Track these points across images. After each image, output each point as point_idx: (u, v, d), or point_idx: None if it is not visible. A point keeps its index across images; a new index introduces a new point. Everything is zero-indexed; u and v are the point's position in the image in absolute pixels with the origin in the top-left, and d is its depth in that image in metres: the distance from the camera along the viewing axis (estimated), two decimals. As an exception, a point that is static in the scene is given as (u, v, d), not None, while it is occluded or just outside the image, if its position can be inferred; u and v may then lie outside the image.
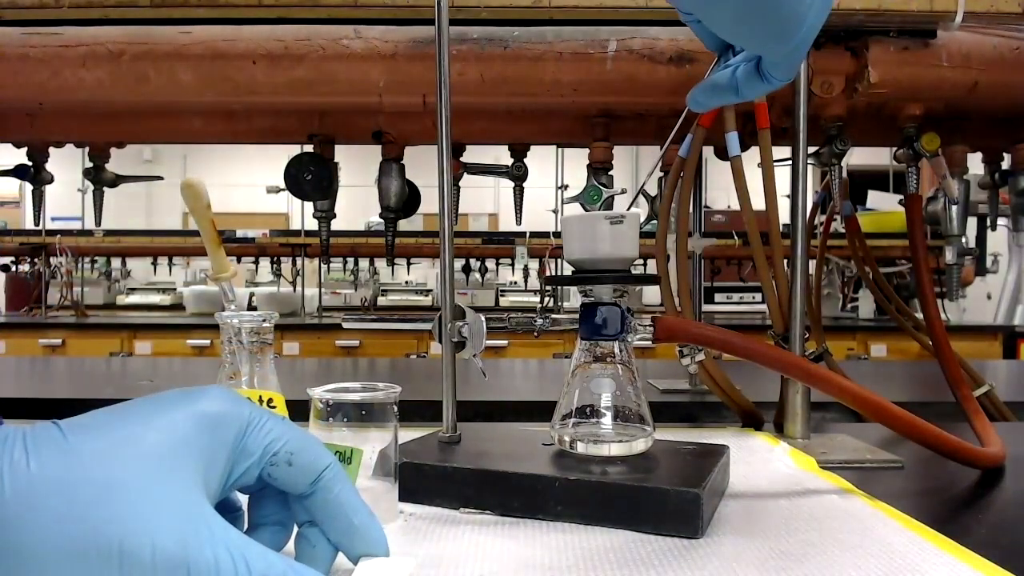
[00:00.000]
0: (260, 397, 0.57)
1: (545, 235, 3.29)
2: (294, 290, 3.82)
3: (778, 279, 0.79)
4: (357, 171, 2.24)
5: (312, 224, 1.29)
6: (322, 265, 3.86)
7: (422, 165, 1.08)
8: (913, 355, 2.62)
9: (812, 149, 0.83)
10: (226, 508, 0.39)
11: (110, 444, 0.32)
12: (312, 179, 0.96)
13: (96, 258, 3.87)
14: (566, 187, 3.17)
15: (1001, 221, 1.12)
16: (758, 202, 0.76)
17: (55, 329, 3.33)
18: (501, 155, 1.01)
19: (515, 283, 4.19)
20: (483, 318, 0.61)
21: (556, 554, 0.45)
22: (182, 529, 0.31)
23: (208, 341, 3.17)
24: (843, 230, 1.08)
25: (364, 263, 3.99)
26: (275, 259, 3.73)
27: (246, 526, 0.40)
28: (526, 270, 3.68)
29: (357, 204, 3.69)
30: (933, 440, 0.62)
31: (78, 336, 3.32)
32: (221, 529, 0.32)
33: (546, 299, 3.68)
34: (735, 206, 1.29)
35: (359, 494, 0.38)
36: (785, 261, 0.80)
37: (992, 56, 0.79)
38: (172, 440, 0.33)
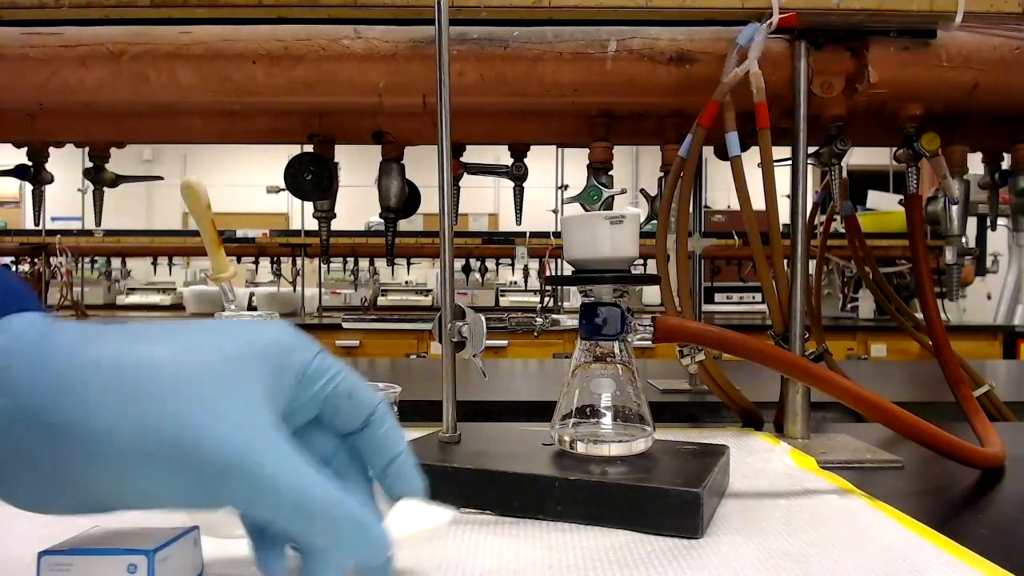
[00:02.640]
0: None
1: (545, 235, 3.29)
2: (294, 290, 3.82)
3: (778, 279, 0.79)
4: (357, 171, 2.24)
5: (312, 224, 1.29)
6: (322, 265, 3.86)
7: (422, 165, 1.08)
8: (913, 355, 2.62)
9: (812, 149, 0.83)
10: None
11: (180, 346, 0.31)
12: (312, 179, 0.96)
13: (96, 258, 3.87)
14: (566, 187, 3.16)
15: (1001, 221, 1.12)
16: (758, 202, 0.76)
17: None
18: (501, 155, 1.01)
19: (515, 283, 4.19)
20: (483, 318, 0.61)
21: (556, 554, 0.45)
22: (252, 437, 0.30)
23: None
24: (843, 230, 1.08)
25: (364, 263, 3.99)
26: (275, 259, 3.73)
27: None
28: (526, 270, 3.67)
29: (357, 204, 3.69)
30: (933, 440, 0.62)
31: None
32: (287, 446, 0.31)
33: (546, 299, 3.68)
34: (735, 206, 1.29)
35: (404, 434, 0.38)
36: (785, 261, 0.80)
37: (992, 56, 0.79)
38: (241, 354, 0.32)
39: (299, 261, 3.68)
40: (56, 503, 0.30)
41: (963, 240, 0.91)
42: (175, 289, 4.23)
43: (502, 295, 4.16)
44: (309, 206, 1.03)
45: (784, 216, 0.77)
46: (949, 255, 0.89)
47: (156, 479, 0.29)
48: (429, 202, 0.83)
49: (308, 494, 0.31)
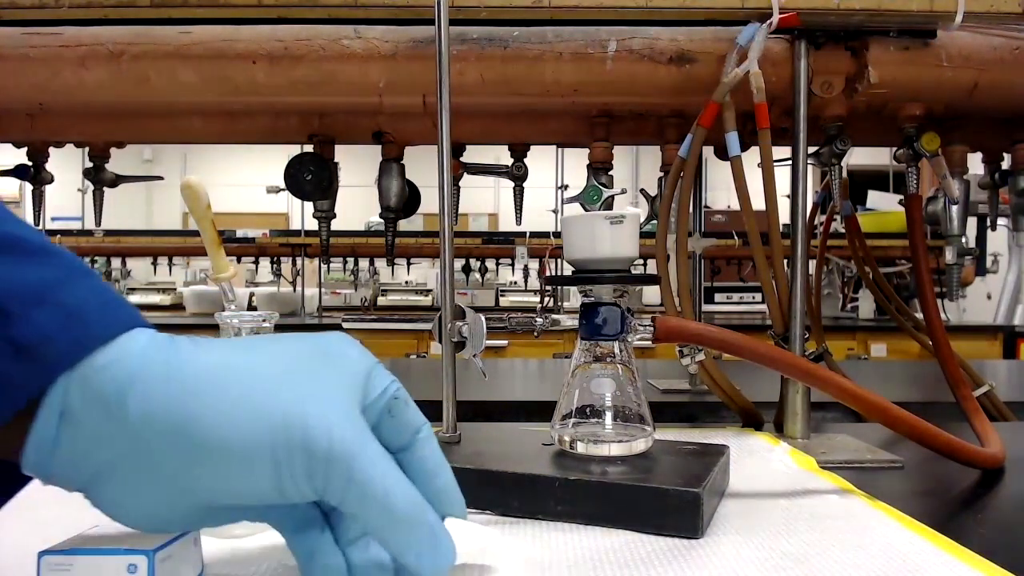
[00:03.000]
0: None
1: (545, 235, 3.29)
2: (294, 290, 3.82)
3: (778, 279, 0.79)
4: (357, 171, 2.24)
5: (312, 224, 1.29)
6: (322, 265, 3.86)
7: (422, 165, 1.08)
8: (913, 355, 2.62)
9: (812, 149, 0.83)
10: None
11: (272, 351, 0.34)
12: (312, 179, 0.96)
13: (96, 258, 3.86)
14: (566, 187, 3.16)
15: (1001, 221, 1.12)
16: (758, 202, 0.76)
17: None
18: (501, 155, 1.01)
19: (515, 283, 4.19)
20: (483, 318, 0.61)
21: (556, 554, 0.45)
22: (352, 429, 0.32)
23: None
24: (843, 230, 1.08)
25: (364, 263, 3.99)
26: (275, 259, 3.73)
27: None
28: (526, 270, 3.68)
29: (357, 204, 3.69)
30: (933, 440, 0.62)
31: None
32: (378, 444, 0.33)
33: (546, 299, 3.68)
34: (735, 206, 1.29)
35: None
36: (785, 261, 0.80)
37: (992, 56, 0.79)
38: (324, 355, 0.35)
39: (299, 261, 3.68)
40: (161, 510, 0.32)
41: (963, 240, 0.91)
42: (175, 289, 4.24)
43: (502, 295, 4.16)
44: (309, 206, 1.03)
45: (784, 216, 0.77)
46: (949, 255, 0.89)
47: (263, 469, 0.31)
48: (429, 202, 0.83)
49: (395, 492, 0.32)
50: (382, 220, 1.04)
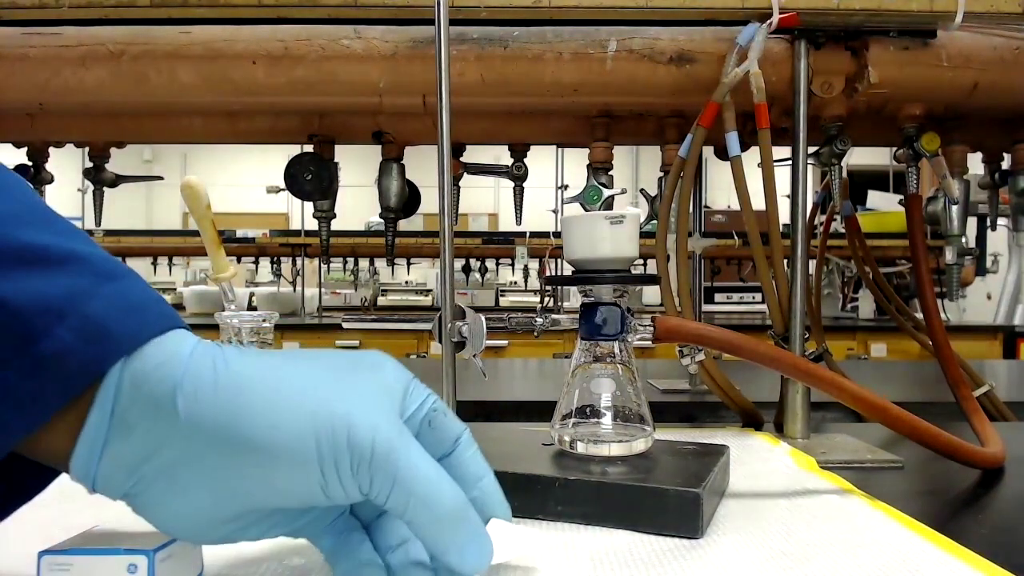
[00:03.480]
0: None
1: (545, 235, 3.29)
2: (294, 290, 3.82)
3: (778, 279, 0.79)
4: (357, 171, 2.24)
5: (312, 224, 1.29)
6: (322, 265, 3.86)
7: (422, 165, 1.08)
8: (913, 355, 2.62)
9: (812, 149, 0.83)
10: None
11: (312, 361, 0.35)
12: (312, 179, 0.96)
13: (96, 258, 3.85)
14: (566, 187, 3.16)
15: (1001, 221, 1.12)
16: (758, 202, 0.76)
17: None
18: (501, 155, 1.01)
19: (515, 283, 4.19)
20: (483, 318, 0.61)
21: (556, 554, 0.45)
22: (395, 429, 0.33)
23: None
24: (843, 230, 1.08)
25: (364, 263, 3.99)
26: (275, 259, 3.73)
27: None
28: (526, 270, 3.68)
29: (357, 204, 3.69)
30: (933, 440, 0.62)
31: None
32: (419, 445, 0.34)
33: (546, 299, 3.68)
34: (735, 206, 1.29)
35: None
36: (785, 261, 0.80)
37: (992, 56, 0.79)
38: (362, 366, 0.36)
39: (299, 261, 3.68)
40: (206, 514, 0.32)
41: (963, 240, 0.90)
42: (175, 289, 4.23)
43: (502, 295, 4.16)
44: (309, 206, 1.03)
45: (784, 216, 0.77)
46: (949, 255, 0.89)
47: (309, 467, 0.31)
48: (429, 202, 0.83)
49: (440, 491, 0.33)
50: (382, 220, 1.04)
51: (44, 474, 0.35)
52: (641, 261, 2.69)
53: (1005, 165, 0.97)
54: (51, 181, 1.06)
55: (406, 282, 4.34)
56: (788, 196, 0.81)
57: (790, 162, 0.81)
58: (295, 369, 0.34)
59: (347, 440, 0.31)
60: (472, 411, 1.05)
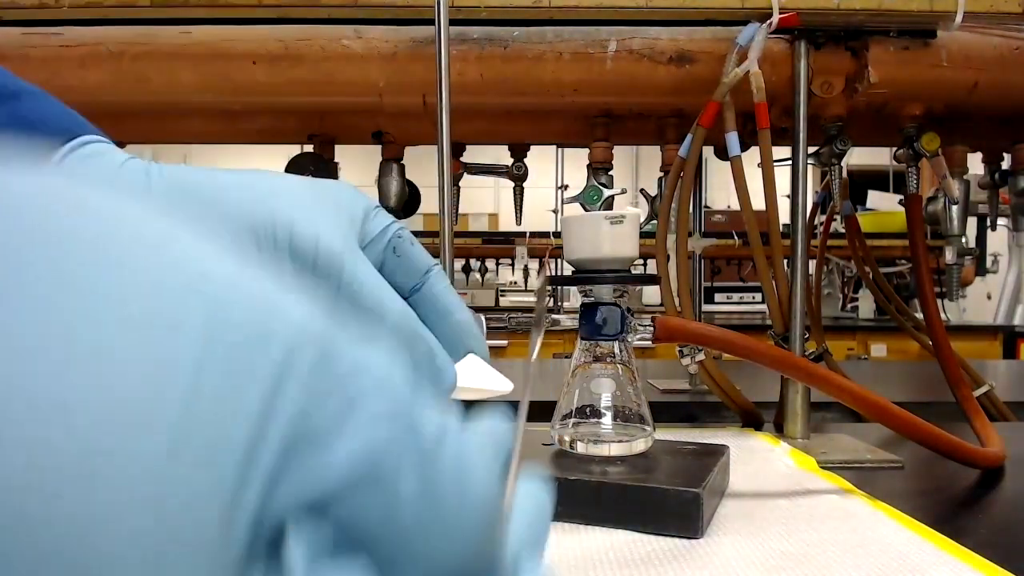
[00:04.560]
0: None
1: (545, 235, 3.29)
2: (294, 290, 3.81)
3: (778, 279, 0.79)
4: (357, 171, 2.24)
5: (312, 224, 1.29)
6: (322, 265, 3.85)
7: (422, 165, 1.08)
8: (913, 355, 2.62)
9: (812, 149, 0.83)
10: None
11: (259, 174, 0.33)
12: (312, 179, 0.96)
13: (96, 258, 3.86)
14: (566, 187, 3.15)
15: (1001, 221, 1.12)
16: (758, 202, 0.76)
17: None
18: (501, 155, 1.01)
19: (515, 283, 4.18)
20: (483, 318, 0.61)
21: (556, 554, 0.45)
22: (340, 241, 0.31)
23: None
24: (843, 230, 1.08)
25: (364, 263, 3.98)
26: (275, 259, 3.73)
27: None
28: (526, 270, 3.67)
29: (357, 204, 3.68)
30: (933, 440, 0.62)
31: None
32: (368, 263, 0.32)
33: (546, 299, 3.68)
34: (735, 206, 1.29)
35: None
36: (785, 261, 0.80)
37: (992, 56, 0.79)
38: (318, 186, 0.33)
39: (299, 261, 3.67)
40: None
41: (963, 240, 0.90)
42: (175, 289, 4.22)
43: (502, 295, 4.16)
44: (309, 206, 1.03)
45: (784, 216, 0.77)
46: (949, 255, 0.89)
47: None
48: (429, 202, 0.83)
49: (387, 303, 0.31)
50: (382, 220, 1.04)
51: None
52: (641, 261, 2.69)
53: (1005, 165, 0.97)
54: (51, 181, 1.06)
55: (406, 282, 4.34)
56: (788, 196, 0.81)
57: (790, 162, 0.81)
58: (239, 177, 0.32)
59: (289, 243, 0.30)
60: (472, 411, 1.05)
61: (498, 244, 3.54)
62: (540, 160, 1.15)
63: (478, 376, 0.35)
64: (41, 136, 0.32)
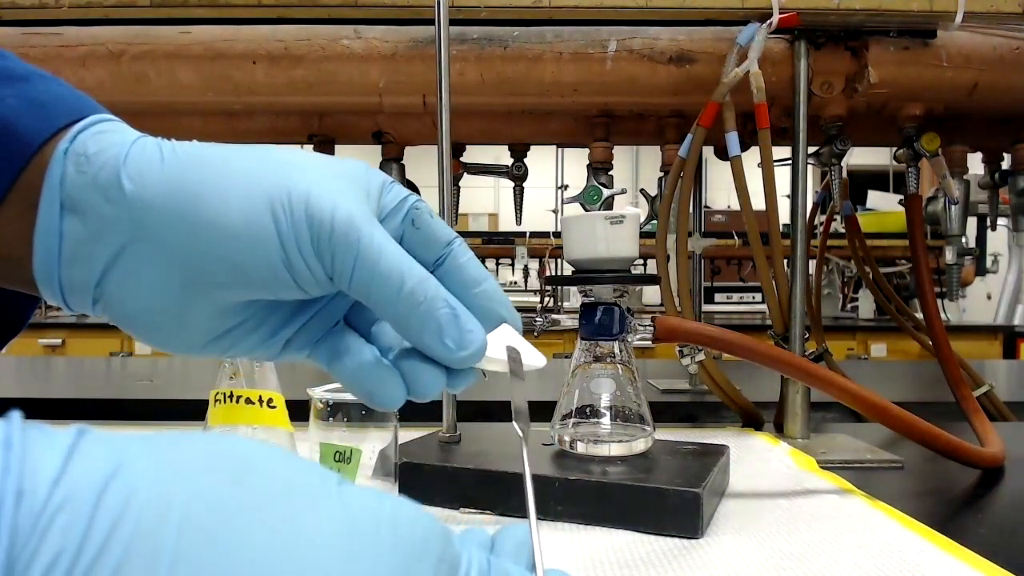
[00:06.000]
0: (260, 397, 0.57)
1: (545, 235, 3.29)
2: (294, 290, 3.82)
3: (778, 279, 0.79)
4: (357, 171, 2.24)
5: (312, 224, 1.29)
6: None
7: (422, 165, 1.08)
8: (913, 355, 2.62)
9: (812, 149, 0.83)
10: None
11: (273, 148, 0.33)
12: (312, 179, 0.96)
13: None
14: (566, 187, 3.15)
15: (1001, 221, 1.12)
16: (758, 202, 0.76)
17: (55, 329, 3.33)
18: (501, 155, 1.01)
19: (515, 283, 4.18)
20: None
21: (556, 554, 0.45)
22: (357, 210, 0.31)
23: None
24: (843, 230, 1.08)
25: (364, 263, 3.98)
26: (275, 259, 3.72)
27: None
28: (526, 270, 3.67)
29: (357, 204, 3.68)
30: (933, 440, 0.62)
31: (78, 336, 3.32)
32: (385, 232, 0.32)
33: (546, 299, 3.68)
34: (735, 206, 1.29)
35: None
36: (785, 261, 0.80)
37: (992, 56, 0.79)
38: (334, 162, 0.33)
39: (299, 261, 3.67)
40: (168, 302, 0.31)
41: (963, 240, 0.91)
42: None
43: (502, 295, 4.15)
44: (309, 206, 1.03)
45: (784, 216, 0.77)
46: (949, 255, 0.89)
47: (267, 240, 0.30)
48: (429, 202, 0.83)
49: (406, 271, 0.31)
50: (382, 220, 1.04)
51: (22, 307, 0.35)
52: (641, 261, 2.69)
53: (1005, 165, 0.97)
54: (51, 181, 1.06)
55: (406, 282, 4.33)
56: (788, 196, 0.81)
57: (790, 162, 0.81)
58: (252, 151, 0.32)
59: (305, 213, 0.30)
60: (472, 411, 1.05)
61: (498, 244, 3.54)
62: (540, 160, 1.15)
63: (507, 341, 0.34)
64: (52, 116, 0.32)
